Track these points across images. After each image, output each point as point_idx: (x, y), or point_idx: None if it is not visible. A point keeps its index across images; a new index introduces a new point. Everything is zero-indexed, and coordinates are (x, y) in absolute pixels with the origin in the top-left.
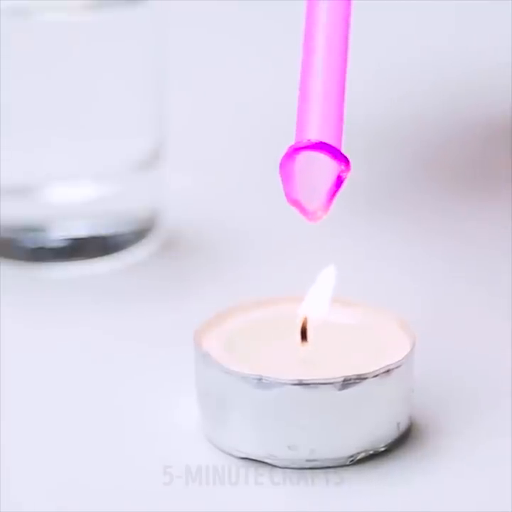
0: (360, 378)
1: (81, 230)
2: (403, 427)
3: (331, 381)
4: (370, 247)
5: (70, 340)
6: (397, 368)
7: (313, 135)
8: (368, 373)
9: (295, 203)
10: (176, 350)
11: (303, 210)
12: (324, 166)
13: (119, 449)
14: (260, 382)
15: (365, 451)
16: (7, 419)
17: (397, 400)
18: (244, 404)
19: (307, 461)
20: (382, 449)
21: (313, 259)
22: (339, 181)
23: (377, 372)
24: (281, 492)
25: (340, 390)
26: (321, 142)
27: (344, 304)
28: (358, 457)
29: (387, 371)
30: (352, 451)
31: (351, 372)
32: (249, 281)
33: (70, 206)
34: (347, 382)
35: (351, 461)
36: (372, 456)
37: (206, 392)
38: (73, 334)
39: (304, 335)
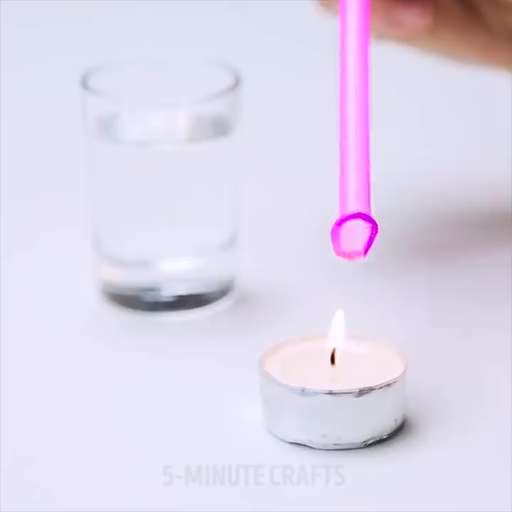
0: (370, 389)
1: (182, 289)
2: (399, 421)
3: (351, 391)
4: (373, 292)
5: (178, 366)
6: (394, 382)
7: (353, 208)
8: (376, 386)
9: (341, 253)
10: (247, 371)
11: (346, 256)
12: (361, 227)
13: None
14: (303, 392)
15: (373, 438)
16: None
17: (395, 404)
18: (292, 406)
19: (334, 445)
20: (385, 437)
21: (339, 307)
22: (371, 239)
23: (381, 385)
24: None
25: (357, 397)
26: (358, 213)
27: (358, 338)
28: (369, 442)
29: (388, 385)
30: (365, 437)
31: (364, 385)
32: (296, 324)
33: (174, 273)
34: (362, 392)
35: (364, 444)
36: (378, 441)
37: (267, 398)
38: (180, 362)
39: (332, 360)
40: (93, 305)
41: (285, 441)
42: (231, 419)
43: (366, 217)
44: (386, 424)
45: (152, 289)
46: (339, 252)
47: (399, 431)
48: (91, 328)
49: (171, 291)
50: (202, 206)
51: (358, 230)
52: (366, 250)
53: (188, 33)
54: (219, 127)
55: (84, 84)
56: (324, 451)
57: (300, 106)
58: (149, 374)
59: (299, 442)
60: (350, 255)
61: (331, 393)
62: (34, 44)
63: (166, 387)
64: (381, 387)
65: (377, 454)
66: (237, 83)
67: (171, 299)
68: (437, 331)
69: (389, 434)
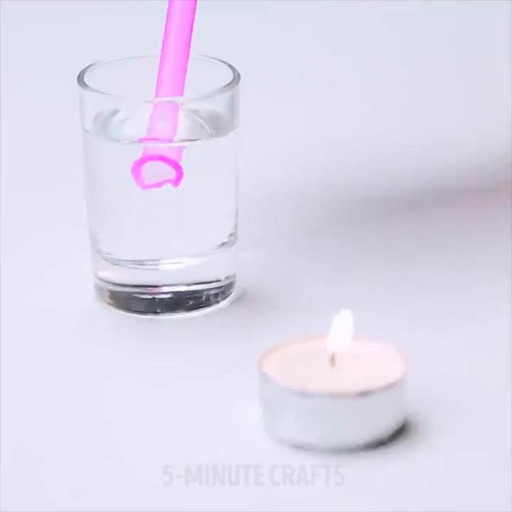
0: (371, 391)
1: (181, 288)
2: (400, 423)
3: (352, 393)
4: (374, 293)
5: (178, 366)
6: (395, 384)
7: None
8: (376, 387)
9: (144, 186)
10: (246, 371)
11: (152, 187)
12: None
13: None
14: (304, 393)
15: (374, 439)
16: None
17: (395, 405)
18: (291, 408)
19: (335, 447)
20: (386, 438)
21: (339, 308)
22: (179, 176)
23: (382, 387)
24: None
25: (357, 399)
26: (161, 156)
27: (359, 339)
28: (370, 443)
29: (389, 386)
30: (366, 439)
31: (365, 387)
32: (295, 324)
33: (173, 273)
34: (362, 394)
35: (365, 446)
36: (378, 443)
37: (266, 400)
38: (180, 362)
39: (333, 360)
40: (92, 305)
41: (284, 442)
42: (231, 419)
43: (169, 161)
44: (386, 425)
45: (151, 289)
46: (143, 185)
47: (399, 432)
48: (90, 328)
49: (170, 289)
50: (201, 205)
51: (162, 167)
52: (176, 182)
53: None
54: (217, 125)
55: (82, 81)
56: (324, 452)
57: (299, 103)
58: (148, 374)
59: (298, 444)
60: (157, 185)
61: (330, 395)
62: (32, 41)
63: (166, 387)
64: (382, 389)
65: (378, 455)
66: (235, 81)
67: (169, 299)
68: (438, 331)
69: (389, 436)
